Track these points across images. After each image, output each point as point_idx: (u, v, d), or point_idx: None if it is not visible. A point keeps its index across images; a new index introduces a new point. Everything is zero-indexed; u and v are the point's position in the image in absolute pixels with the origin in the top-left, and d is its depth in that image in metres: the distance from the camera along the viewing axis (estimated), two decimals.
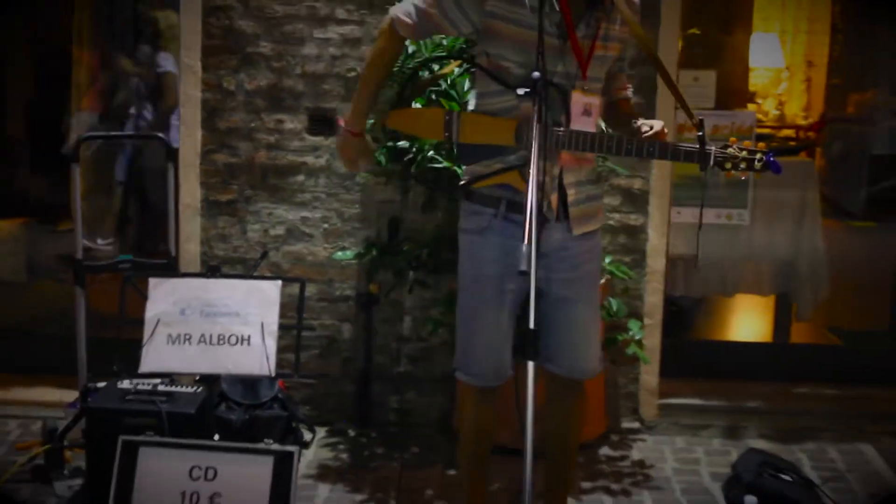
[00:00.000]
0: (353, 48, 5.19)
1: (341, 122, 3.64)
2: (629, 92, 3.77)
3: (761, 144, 3.40)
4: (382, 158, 4.67)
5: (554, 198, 3.45)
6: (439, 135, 3.55)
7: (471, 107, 3.69)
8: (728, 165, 3.36)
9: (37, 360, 5.50)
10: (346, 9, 5.17)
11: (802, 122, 9.35)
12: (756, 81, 9.36)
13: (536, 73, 3.13)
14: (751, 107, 8.79)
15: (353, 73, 5.17)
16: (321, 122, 5.25)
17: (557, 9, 3.36)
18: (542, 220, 3.30)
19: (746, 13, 9.19)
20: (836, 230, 6.49)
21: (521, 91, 3.24)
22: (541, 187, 3.01)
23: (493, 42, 3.43)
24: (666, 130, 3.52)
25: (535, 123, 3.06)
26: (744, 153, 3.35)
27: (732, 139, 3.39)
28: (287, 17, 5.19)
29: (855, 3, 9.43)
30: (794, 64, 9.85)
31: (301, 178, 5.28)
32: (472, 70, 3.76)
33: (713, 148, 3.34)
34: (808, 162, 6.40)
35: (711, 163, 3.34)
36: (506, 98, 3.43)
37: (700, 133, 3.33)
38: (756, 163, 3.35)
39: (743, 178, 3.40)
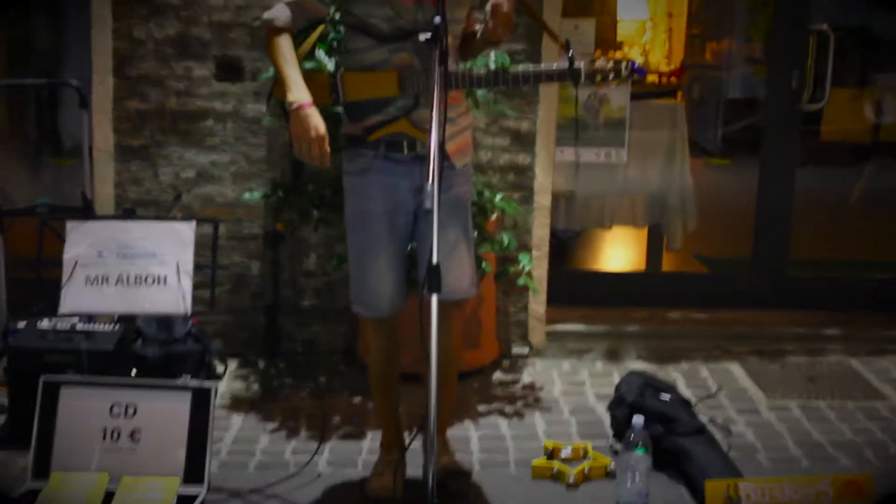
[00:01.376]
0: None
1: (291, 106, 3.27)
2: (478, 25, 3.53)
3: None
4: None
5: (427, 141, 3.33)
6: (327, 98, 3.39)
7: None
8: (598, 78, 3.28)
9: None
10: None
11: (665, 69, 9.34)
12: (623, 32, 9.30)
13: (438, 18, 2.98)
14: (618, 54, 8.70)
15: (257, 22, 4.93)
16: (228, 69, 5.05)
17: None
18: (422, 159, 3.29)
19: None
20: (697, 167, 6.46)
21: (422, 37, 3.07)
22: (442, 126, 2.89)
23: (356, 1, 3.30)
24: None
25: (437, 67, 2.93)
26: (610, 64, 3.27)
27: (597, 52, 3.30)
28: None
29: None
30: (657, 15, 9.82)
31: (210, 122, 5.08)
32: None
33: (582, 63, 3.25)
34: (679, 104, 6.35)
35: (583, 78, 3.25)
36: (377, 52, 3.32)
37: (569, 53, 3.24)
38: (623, 70, 3.28)
39: (614, 86, 3.33)
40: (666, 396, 4.25)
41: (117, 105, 5.04)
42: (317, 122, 3.23)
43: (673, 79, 8.79)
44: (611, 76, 3.27)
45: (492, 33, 3.28)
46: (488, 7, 3.25)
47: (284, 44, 3.34)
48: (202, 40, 5.01)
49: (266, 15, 3.37)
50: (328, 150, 3.24)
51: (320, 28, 3.56)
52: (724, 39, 8.81)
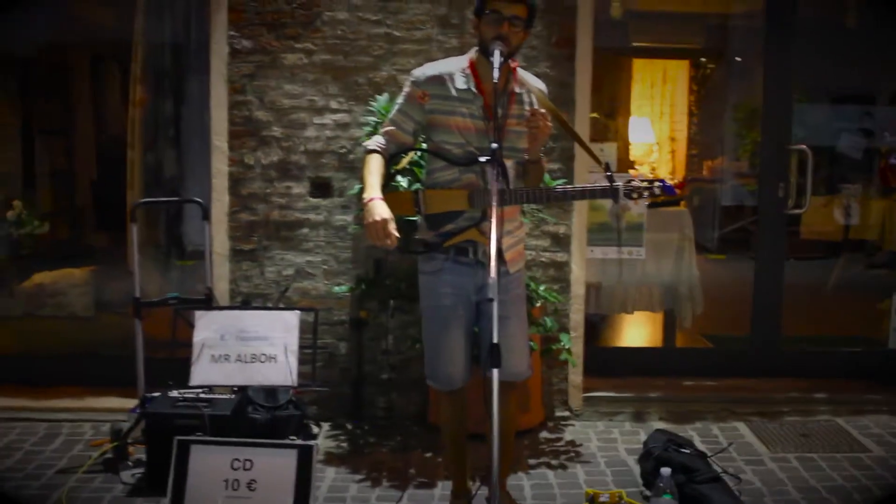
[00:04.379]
0: (344, 131, 5.04)
1: (364, 201, 3.26)
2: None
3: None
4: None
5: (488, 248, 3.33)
6: (411, 211, 3.42)
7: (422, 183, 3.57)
8: (635, 195, 3.27)
9: (105, 377, 5.21)
10: (338, 101, 5.02)
11: (671, 183, 9.31)
12: (635, 153, 9.32)
13: (495, 145, 3.01)
14: (631, 172, 8.72)
15: (343, 150, 5.02)
16: (320, 188, 5.09)
17: (477, 93, 3.30)
18: (483, 263, 3.34)
19: (626, 102, 9.26)
20: (699, 262, 6.40)
21: (482, 158, 3.11)
22: (500, 236, 2.91)
23: (435, 131, 3.36)
24: (541, 111, 3.27)
25: (494, 184, 2.97)
26: (645, 183, 3.28)
27: (634, 173, 3.29)
28: (293, 108, 5.03)
29: (706, 93, 9.49)
30: (662, 139, 9.85)
31: (305, 230, 5.10)
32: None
33: (621, 184, 3.24)
34: (685, 212, 6.32)
35: (622, 195, 3.23)
36: (450, 172, 3.35)
37: (609, 173, 3.23)
38: (656, 189, 3.28)
39: (647, 203, 3.32)
40: (686, 450, 4.18)
41: (232, 217, 5.08)
42: (382, 210, 3.18)
43: (678, 190, 8.76)
44: (645, 194, 3.27)
45: (532, 137, 3.26)
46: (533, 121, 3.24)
47: (372, 160, 3.37)
48: (299, 165, 5.06)
49: (368, 145, 3.42)
50: (393, 233, 3.18)
51: (409, 155, 3.61)
52: (718, 157, 8.78)
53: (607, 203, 5.38)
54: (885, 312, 5.90)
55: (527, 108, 3.35)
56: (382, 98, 4.74)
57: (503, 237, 3.35)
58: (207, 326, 3.88)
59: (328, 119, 5.04)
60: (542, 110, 3.25)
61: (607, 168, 3.26)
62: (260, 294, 5.11)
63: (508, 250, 3.40)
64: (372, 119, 4.72)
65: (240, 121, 5.04)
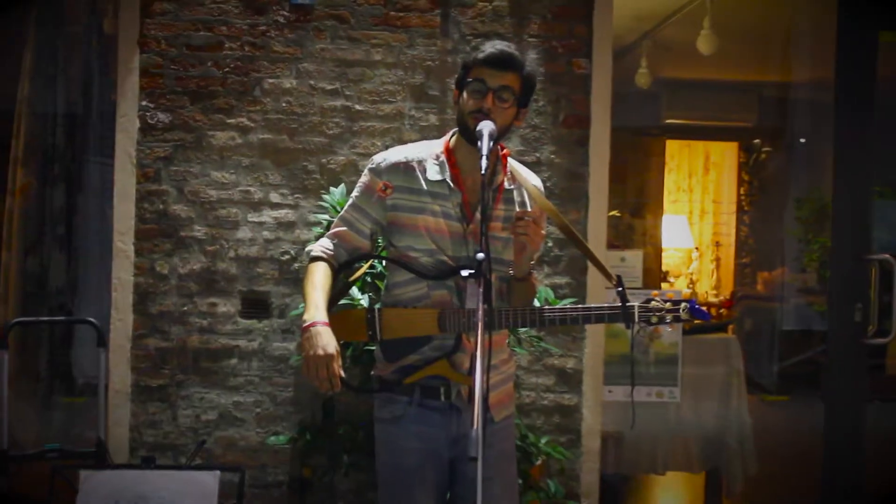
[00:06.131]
0: (287, 232, 5.07)
1: (304, 324, 3.23)
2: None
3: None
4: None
5: (465, 387, 3.32)
6: (362, 335, 3.38)
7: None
8: (654, 319, 3.27)
9: None
10: (280, 193, 5.07)
11: (714, 300, 9.39)
12: (668, 261, 9.40)
13: (481, 255, 3.00)
14: (664, 286, 8.79)
15: (286, 257, 5.04)
16: (254, 306, 5.10)
17: (454, 187, 3.30)
18: (458, 409, 3.31)
19: (657, 197, 9.35)
20: (753, 405, 6.40)
21: (464, 273, 3.09)
22: (486, 370, 2.86)
23: (398, 234, 3.36)
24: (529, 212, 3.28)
25: (480, 305, 2.93)
26: (668, 304, 3.27)
27: (654, 292, 3.29)
28: (221, 201, 5.07)
29: (761, 185, 9.62)
30: (703, 244, 9.95)
31: (234, 362, 5.09)
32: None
33: (636, 304, 3.25)
34: (733, 339, 6.34)
35: (637, 319, 3.23)
36: (416, 287, 3.34)
37: (620, 289, 3.24)
38: (682, 312, 3.27)
39: (670, 329, 3.30)
40: None
41: (136, 343, 5.06)
42: (325, 341, 3.14)
43: (723, 311, 8.82)
44: (668, 318, 3.26)
45: (518, 247, 3.26)
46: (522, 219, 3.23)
47: (316, 270, 3.35)
48: (228, 275, 5.07)
49: (312, 250, 3.42)
50: (339, 371, 3.14)
51: (366, 265, 3.61)
52: (777, 268, 8.87)
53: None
54: None
55: (518, 209, 3.36)
56: (338, 190, 4.78)
57: (487, 373, 3.32)
58: (96, 490, 3.82)
59: (267, 216, 5.08)
60: (531, 211, 3.27)
61: (619, 283, 3.28)
62: (170, 446, 5.06)
63: (493, 391, 3.35)
64: (324, 217, 4.75)
65: (151, 217, 5.06)
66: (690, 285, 9.65)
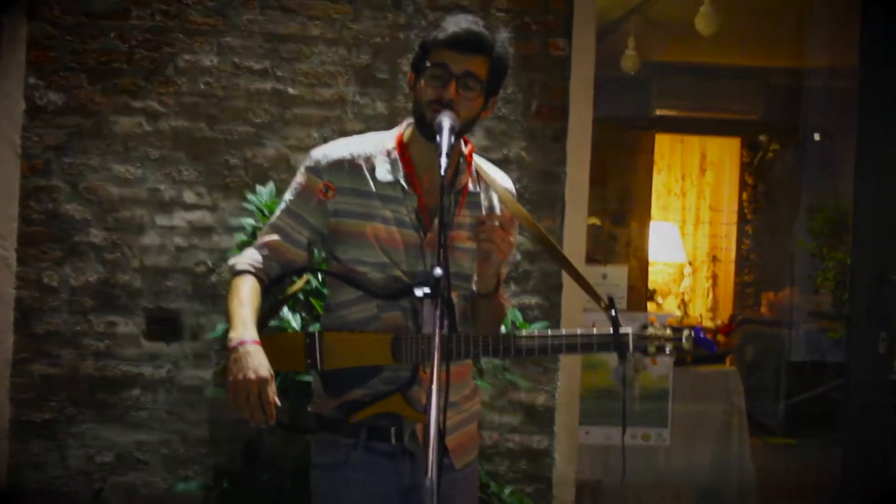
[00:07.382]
0: (204, 238, 5.10)
1: (230, 343, 3.18)
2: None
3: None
4: None
5: (420, 427, 3.29)
6: (300, 363, 3.33)
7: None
8: (651, 349, 3.24)
9: None
10: (196, 191, 5.09)
11: (709, 325, 9.47)
12: (656, 278, 9.48)
13: (438, 270, 3.00)
14: (650, 307, 8.86)
15: (201, 268, 5.05)
16: (162, 326, 5.11)
17: (408, 189, 3.27)
18: (412, 453, 3.28)
19: (644, 201, 9.41)
20: (755, 448, 6.48)
21: (419, 292, 3.11)
22: (444, 409, 2.87)
23: (342, 244, 3.33)
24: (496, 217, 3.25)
25: (437, 330, 2.89)
26: (668, 331, 3.25)
27: (652, 318, 3.30)
28: (124, 200, 5.08)
29: (768, 189, 9.71)
30: (698, 258, 10.03)
31: (136, 392, 5.10)
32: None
33: (630, 331, 3.23)
34: (732, 371, 6.41)
35: (631, 348, 3.22)
36: (363, 307, 3.31)
37: (613, 313, 3.22)
38: (684, 341, 3.25)
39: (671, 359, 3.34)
40: None
41: (17, 369, 5.06)
42: (259, 363, 3.08)
43: (720, 337, 8.90)
44: (668, 348, 3.29)
45: (482, 258, 3.22)
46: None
47: (242, 285, 3.29)
48: (130, 289, 5.09)
49: (230, 260, 3.41)
50: (274, 399, 3.07)
51: (301, 281, 3.61)
52: (784, 289, 8.97)
53: (610, 359, 5.43)
54: None
55: (483, 213, 3.38)
56: (266, 190, 4.79)
57: (446, 411, 3.34)
58: None
59: (179, 219, 5.11)
60: (500, 214, 3.29)
61: (610, 305, 3.26)
62: (58, 494, 5.06)
63: (454, 433, 3.37)
64: (248, 221, 4.75)
65: (38, 218, 5.07)
66: (681, 306, 9.73)
